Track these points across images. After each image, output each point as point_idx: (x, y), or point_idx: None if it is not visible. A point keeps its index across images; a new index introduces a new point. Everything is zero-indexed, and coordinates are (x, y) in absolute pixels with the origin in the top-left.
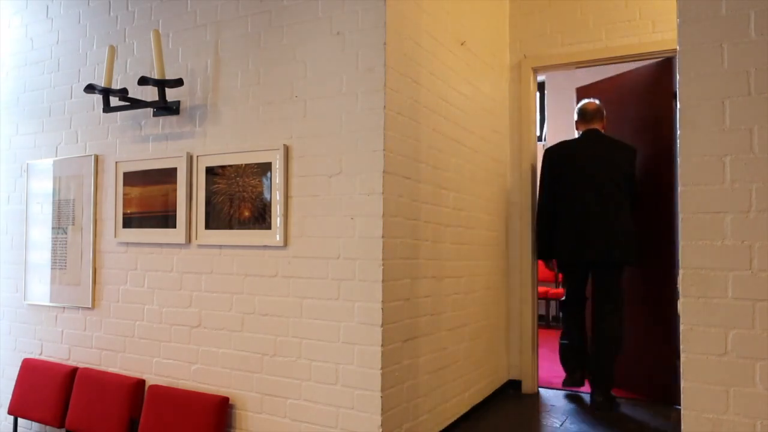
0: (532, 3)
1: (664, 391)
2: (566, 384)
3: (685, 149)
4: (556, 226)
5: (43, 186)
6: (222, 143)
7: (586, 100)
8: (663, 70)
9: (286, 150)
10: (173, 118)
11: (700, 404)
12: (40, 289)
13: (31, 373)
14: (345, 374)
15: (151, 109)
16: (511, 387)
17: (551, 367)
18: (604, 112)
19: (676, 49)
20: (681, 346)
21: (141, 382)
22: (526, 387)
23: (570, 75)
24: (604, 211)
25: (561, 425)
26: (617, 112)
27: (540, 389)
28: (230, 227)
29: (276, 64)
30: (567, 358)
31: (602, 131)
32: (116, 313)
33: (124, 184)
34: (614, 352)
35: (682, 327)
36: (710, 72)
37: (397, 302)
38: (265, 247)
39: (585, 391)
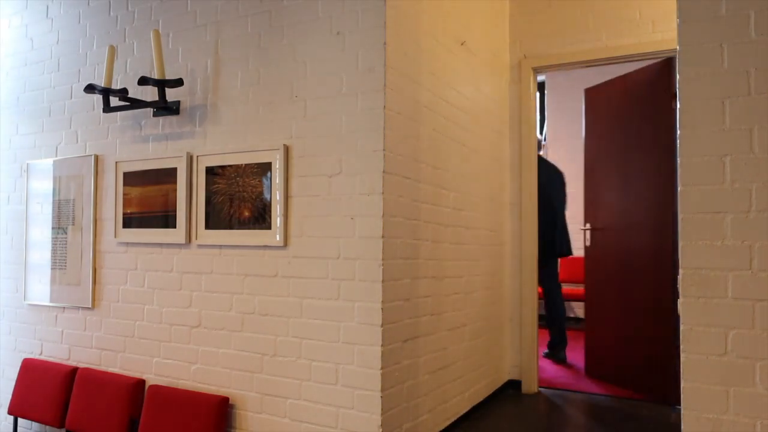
0: (532, 3)
1: (665, 391)
2: (551, 357)
3: (685, 149)
4: None
5: (43, 186)
6: (222, 143)
7: None
8: (666, 70)
9: (286, 150)
10: (173, 118)
11: (700, 404)
12: (40, 289)
13: (31, 373)
14: (345, 374)
15: (151, 109)
16: (511, 387)
17: (551, 367)
18: None
19: (676, 49)
20: (681, 346)
21: (141, 382)
22: (526, 387)
23: (569, 75)
24: (557, 216)
25: (561, 425)
26: (624, 113)
27: (540, 389)
28: (230, 227)
29: (276, 64)
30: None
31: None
32: (116, 313)
33: (124, 184)
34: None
35: (682, 327)
36: (710, 72)
37: (397, 302)
38: (265, 247)
39: (585, 390)
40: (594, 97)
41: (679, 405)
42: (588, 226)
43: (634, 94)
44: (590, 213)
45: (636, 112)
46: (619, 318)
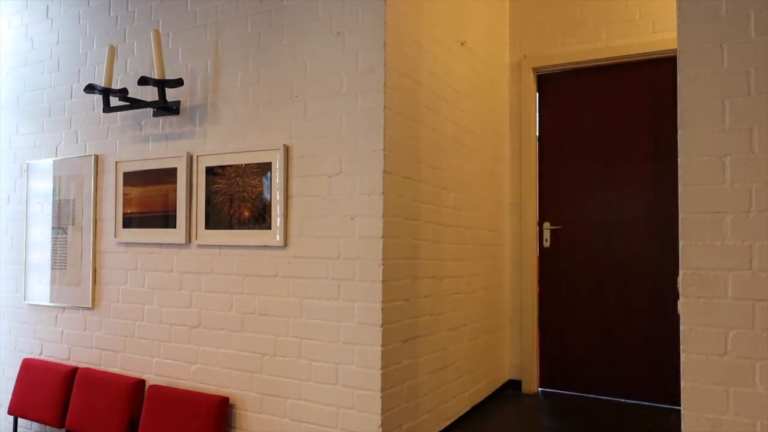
0: (532, 3)
1: (664, 391)
2: None
3: (685, 149)
4: None
5: (43, 186)
6: (222, 143)
7: None
8: (632, 69)
9: (286, 150)
10: (173, 118)
11: (700, 404)
12: (40, 289)
13: (31, 373)
14: (345, 374)
15: (151, 109)
16: (511, 387)
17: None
18: None
19: (676, 49)
20: (681, 346)
21: (141, 382)
22: (526, 387)
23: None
24: None
25: (561, 425)
26: (580, 107)
27: (540, 389)
28: (230, 227)
29: (276, 64)
30: None
31: None
32: (116, 313)
33: (124, 184)
34: None
35: (682, 327)
36: (710, 72)
37: (397, 302)
38: (265, 247)
39: (586, 391)
40: (553, 85)
41: (664, 404)
42: (547, 225)
43: (612, 87)
44: (550, 211)
45: (616, 108)
46: (591, 321)
